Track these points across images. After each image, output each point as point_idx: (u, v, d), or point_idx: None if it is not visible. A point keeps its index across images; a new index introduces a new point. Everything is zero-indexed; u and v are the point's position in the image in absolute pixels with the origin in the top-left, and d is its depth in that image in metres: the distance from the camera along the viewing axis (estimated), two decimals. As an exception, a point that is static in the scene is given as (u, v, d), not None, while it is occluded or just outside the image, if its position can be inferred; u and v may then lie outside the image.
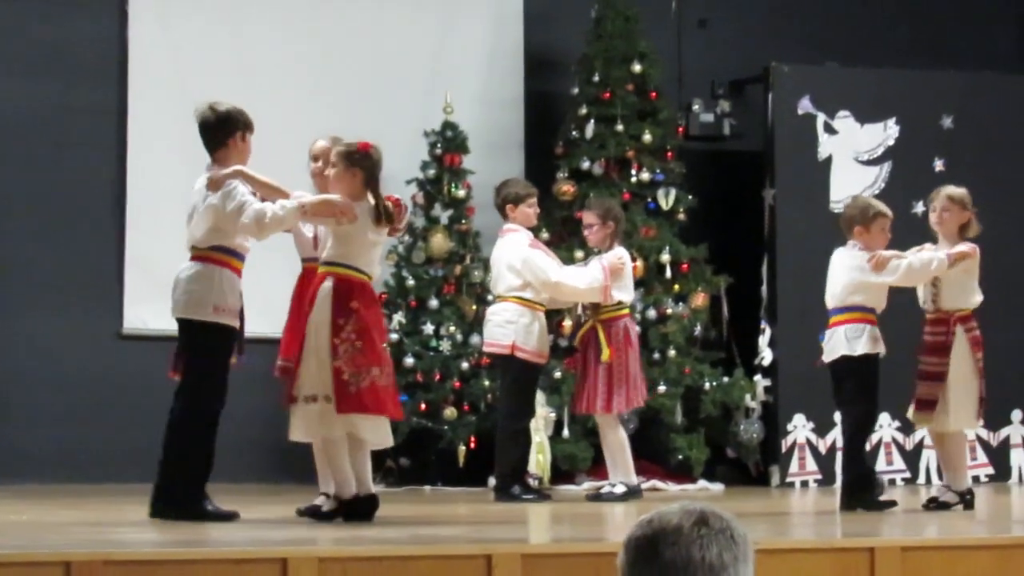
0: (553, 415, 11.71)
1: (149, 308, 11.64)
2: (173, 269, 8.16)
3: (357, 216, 7.78)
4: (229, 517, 7.75)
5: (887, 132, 12.79)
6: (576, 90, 12.76)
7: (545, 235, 11.91)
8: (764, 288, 12.61)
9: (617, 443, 10.26)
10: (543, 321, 10.30)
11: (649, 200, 12.49)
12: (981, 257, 9.32)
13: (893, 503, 9.29)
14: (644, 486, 11.37)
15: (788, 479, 12.31)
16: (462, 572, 5.94)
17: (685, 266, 12.37)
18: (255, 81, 12.13)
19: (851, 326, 9.24)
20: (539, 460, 11.40)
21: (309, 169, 8.57)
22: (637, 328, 11.03)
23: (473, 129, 12.51)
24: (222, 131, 7.94)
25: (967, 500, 9.25)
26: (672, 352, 12.13)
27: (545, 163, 12.61)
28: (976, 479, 12.22)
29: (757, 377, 12.38)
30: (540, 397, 11.14)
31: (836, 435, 11.45)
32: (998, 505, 10.57)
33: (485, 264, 11.57)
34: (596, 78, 12.59)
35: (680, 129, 13.04)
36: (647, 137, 12.48)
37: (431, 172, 12.38)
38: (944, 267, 9.18)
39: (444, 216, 12.31)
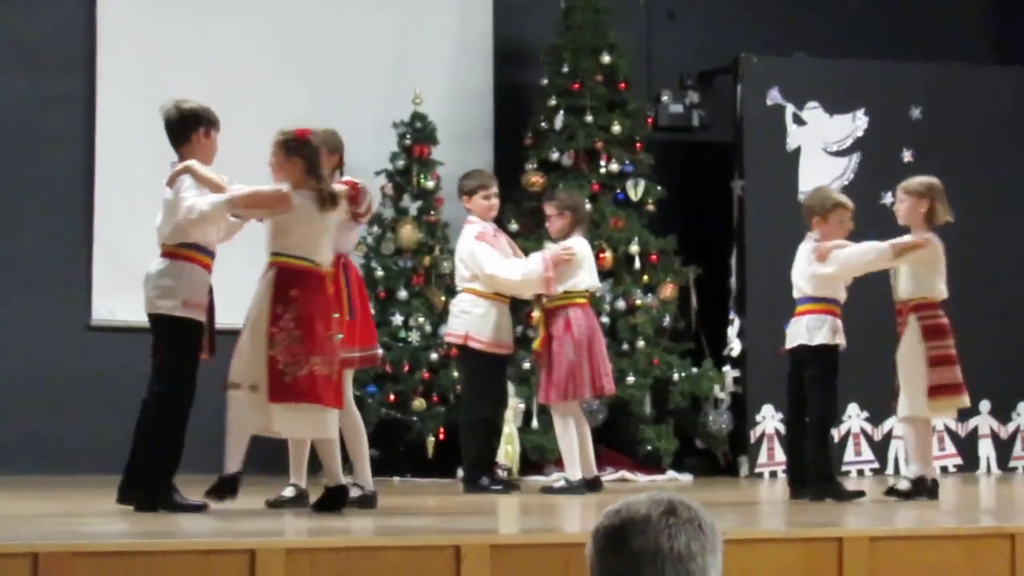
0: (522, 406, 11.70)
1: (118, 299, 11.62)
2: (142, 260, 8.16)
3: (292, 205, 7.77)
4: (198, 508, 7.74)
5: (856, 123, 12.81)
6: (545, 81, 12.75)
7: (514, 226, 11.92)
8: (733, 279, 12.64)
9: (561, 434, 10.10)
10: (503, 311, 10.20)
11: (618, 191, 12.50)
12: (947, 247, 9.33)
13: (861, 493, 9.32)
14: (612, 477, 11.39)
15: (757, 469, 12.35)
16: (431, 563, 5.92)
17: (654, 257, 12.38)
18: (224, 70, 12.10)
19: (814, 316, 9.28)
20: (508, 451, 11.38)
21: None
22: (603, 319, 10.99)
23: (442, 120, 12.49)
24: (185, 128, 7.99)
25: (925, 489, 9.13)
26: (641, 343, 12.13)
27: (514, 154, 12.60)
28: (944, 469, 12.28)
29: (726, 368, 12.40)
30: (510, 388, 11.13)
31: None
32: (966, 495, 10.61)
33: (453, 255, 11.55)
34: (565, 69, 12.59)
35: (649, 120, 13.05)
36: (616, 128, 12.48)
37: (400, 163, 12.36)
38: (888, 256, 9.16)
39: (413, 207, 12.29)
